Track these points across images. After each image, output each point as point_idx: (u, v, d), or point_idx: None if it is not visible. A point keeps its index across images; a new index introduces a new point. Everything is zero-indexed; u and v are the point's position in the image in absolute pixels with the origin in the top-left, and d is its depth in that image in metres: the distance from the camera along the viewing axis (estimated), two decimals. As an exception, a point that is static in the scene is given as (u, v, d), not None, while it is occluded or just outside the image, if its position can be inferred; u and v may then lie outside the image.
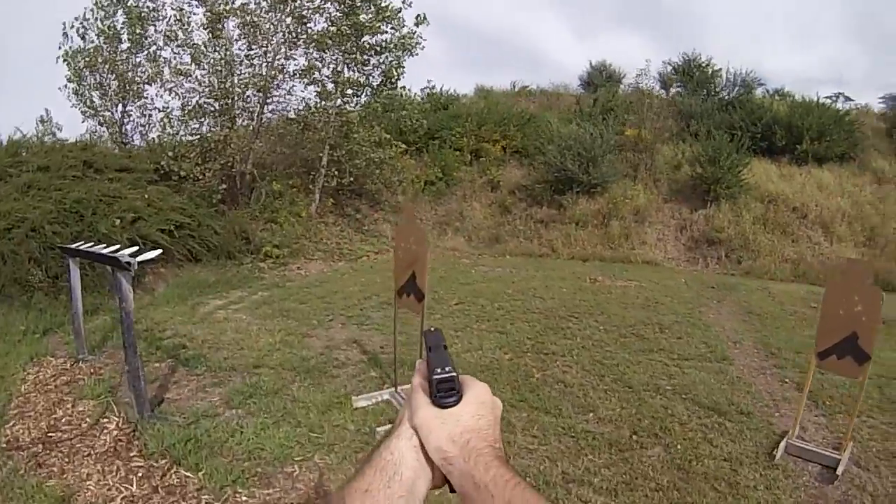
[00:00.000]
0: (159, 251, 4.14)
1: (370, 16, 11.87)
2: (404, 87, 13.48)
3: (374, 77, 12.79)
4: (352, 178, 12.51)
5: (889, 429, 4.54)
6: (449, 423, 0.67)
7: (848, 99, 17.67)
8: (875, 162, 14.60)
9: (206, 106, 11.34)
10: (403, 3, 12.22)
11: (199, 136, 11.31)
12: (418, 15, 12.43)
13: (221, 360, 5.20)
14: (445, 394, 0.69)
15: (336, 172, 12.30)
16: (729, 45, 38.97)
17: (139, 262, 3.90)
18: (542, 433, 4.20)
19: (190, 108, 11.23)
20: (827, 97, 16.71)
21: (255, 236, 10.23)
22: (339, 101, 12.33)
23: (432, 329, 0.80)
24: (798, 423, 4.34)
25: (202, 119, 11.49)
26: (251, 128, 11.87)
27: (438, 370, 0.71)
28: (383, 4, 12.02)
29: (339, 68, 12.29)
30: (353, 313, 7.26)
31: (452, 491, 0.66)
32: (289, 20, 11.51)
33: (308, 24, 11.76)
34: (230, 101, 11.26)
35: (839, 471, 3.86)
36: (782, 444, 4.16)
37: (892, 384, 5.38)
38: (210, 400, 4.46)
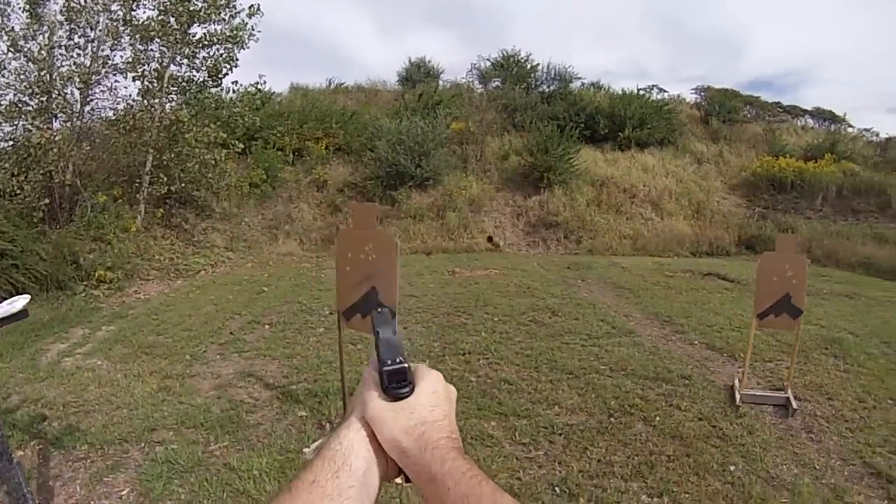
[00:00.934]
0: (25, 298, 3.08)
1: (204, 3, 11.00)
2: (235, 83, 12.74)
3: (201, 72, 11.68)
4: (182, 185, 11.27)
5: (800, 367, 5.33)
6: (402, 414, 0.67)
7: (662, 90, 20.94)
8: (693, 145, 17.38)
9: (21, 104, 9.98)
10: None
11: (13, 142, 10.04)
12: (252, 5, 11.79)
13: (101, 430, 4.13)
14: (397, 385, 0.69)
15: (164, 178, 10.97)
16: (536, 46, 43.56)
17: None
18: (529, 437, 4.11)
19: (3, 106, 9.72)
20: (641, 89, 19.46)
21: (84, 259, 8.71)
22: (163, 99, 11.03)
23: (379, 310, 0.78)
24: (745, 375, 4.87)
25: (17, 120, 9.92)
26: (71, 130, 10.13)
27: (389, 361, 0.70)
28: None
29: (164, 63, 11.08)
30: (223, 339, 6.43)
31: (408, 481, 0.67)
32: (115, 5, 10.19)
33: (135, 11, 10.53)
34: (49, 97, 9.93)
35: (795, 405, 4.57)
36: (737, 396, 4.70)
37: (779, 334, 6.22)
38: (119, 495, 3.45)
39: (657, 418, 4.42)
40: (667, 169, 16.19)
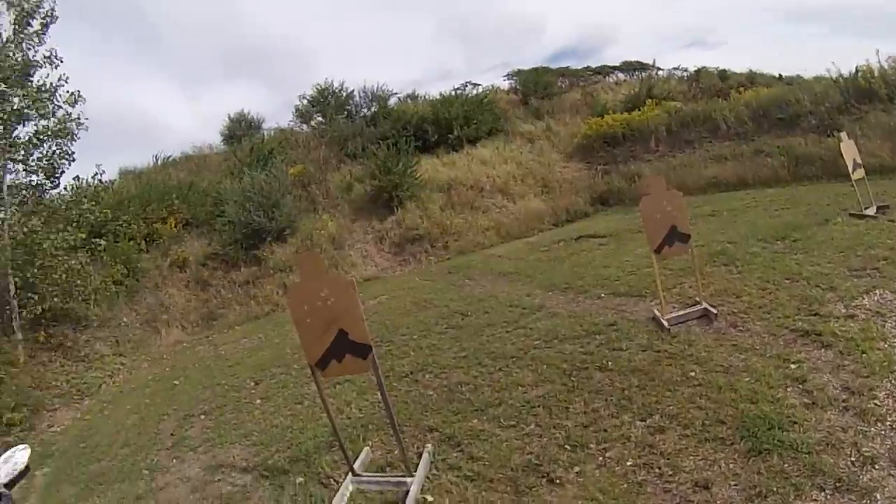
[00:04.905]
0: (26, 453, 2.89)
1: (23, 101, 10.37)
2: (77, 178, 11.89)
3: (38, 175, 10.89)
4: (54, 299, 10.36)
5: (701, 282, 6.21)
6: None
7: (475, 85, 22.52)
8: (521, 127, 19.02)
9: None
10: (60, 79, 11.00)
11: None
12: (71, 93, 11.15)
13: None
14: None
15: (34, 297, 10.00)
16: (344, 75, 45.11)
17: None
18: (514, 419, 4.51)
19: None
20: (456, 89, 20.89)
21: None
22: (7, 212, 10.08)
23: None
24: (663, 304, 5.72)
25: None
26: None
27: None
28: (36, 84, 10.75)
29: None
30: (168, 442, 6.04)
31: None
32: None
33: None
34: None
35: (714, 311, 5.50)
36: (664, 322, 5.50)
37: (668, 263, 7.13)
38: None
39: (609, 364, 5.05)
40: (503, 156, 17.49)
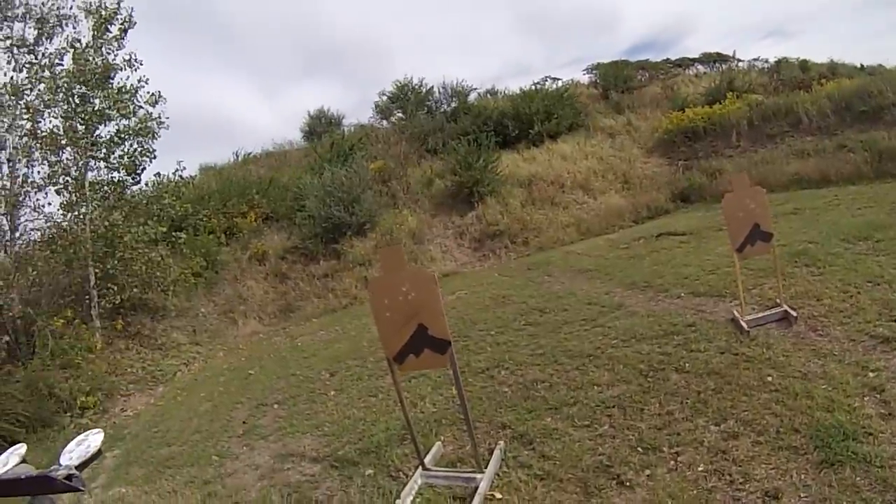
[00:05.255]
0: (99, 437, 3.28)
1: (104, 103, 11.29)
2: (158, 174, 12.88)
3: (119, 172, 11.93)
4: (133, 290, 11.26)
5: (782, 283, 6.10)
6: None
7: (555, 79, 22.48)
8: (601, 122, 18.86)
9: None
10: (140, 81, 11.87)
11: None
12: (151, 94, 12.06)
13: None
14: None
15: (113, 288, 10.93)
16: (422, 71, 46.24)
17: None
18: (588, 419, 4.68)
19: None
20: (536, 83, 20.97)
21: (60, 390, 8.57)
22: (89, 207, 11.12)
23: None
24: (743, 305, 5.69)
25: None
26: (7, 257, 10.03)
27: None
28: (116, 86, 11.62)
29: (81, 170, 11.18)
30: (239, 430, 6.35)
31: None
32: (20, 120, 10.32)
33: (39, 123, 10.70)
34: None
35: (794, 314, 5.43)
36: (743, 324, 5.48)
37: (748, 263, 7.02)
38: None
39: (686, 365, 5.08)
40: (584, 151, 17.39)
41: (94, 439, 3.13)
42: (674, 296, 7.28)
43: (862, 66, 20.42)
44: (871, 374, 4.12)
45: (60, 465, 3.01)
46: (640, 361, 5.44)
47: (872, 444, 3.42)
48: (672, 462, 3.79)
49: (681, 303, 6.95)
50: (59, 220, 11.16)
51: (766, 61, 22.56)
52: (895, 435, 3.47)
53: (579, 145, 17.83)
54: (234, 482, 5.11)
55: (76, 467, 3.08)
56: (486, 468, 4.02)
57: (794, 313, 5.39)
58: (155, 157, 12.29)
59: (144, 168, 12.27)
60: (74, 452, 3.16)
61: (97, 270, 11.13)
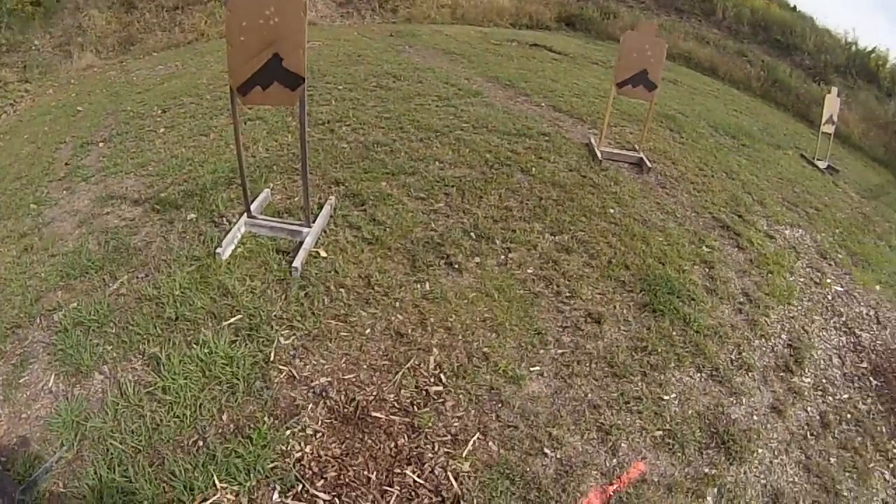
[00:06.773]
0: None
1: None
2: None
3: None
4: None
5: (651, 133, 5.96)
6: None
7: None
8: None
9: None
10: None
11: None
12: None
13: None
14: None
15: None
16: None
17: None
18: (425, 192, 4.25)
19: None
20: None
21: None
22: None
23: None
24: (603, 135, 5.41)
25: None
26: None
27: None
28: None
29: None
30: (61, 173, 5.10)
31: None
32: None
33: None
34: None
35: (648, 164, 5.31)
36: (597, 152, 5.25)
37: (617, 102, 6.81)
38: (47, 388, 2.76)
39: (533, 169, 4.81)
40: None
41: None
42: (534, 103, 6.89)
43: (795, 7, 20.35)
44: (705, 248, 4.18)
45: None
46: (487, 151, 5.05)
47: (693, 308, 3.46)
48: (503, 257, 3.56)
49: (540, 111, 6.59)
50: None
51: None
52: (714, 309, 3.55)
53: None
54: (51, 232, 4.24)
55: None
56: (313, 223, 3.60)
57: (649, 164, 5.29)
58: None
59: None
60: None
61: None
